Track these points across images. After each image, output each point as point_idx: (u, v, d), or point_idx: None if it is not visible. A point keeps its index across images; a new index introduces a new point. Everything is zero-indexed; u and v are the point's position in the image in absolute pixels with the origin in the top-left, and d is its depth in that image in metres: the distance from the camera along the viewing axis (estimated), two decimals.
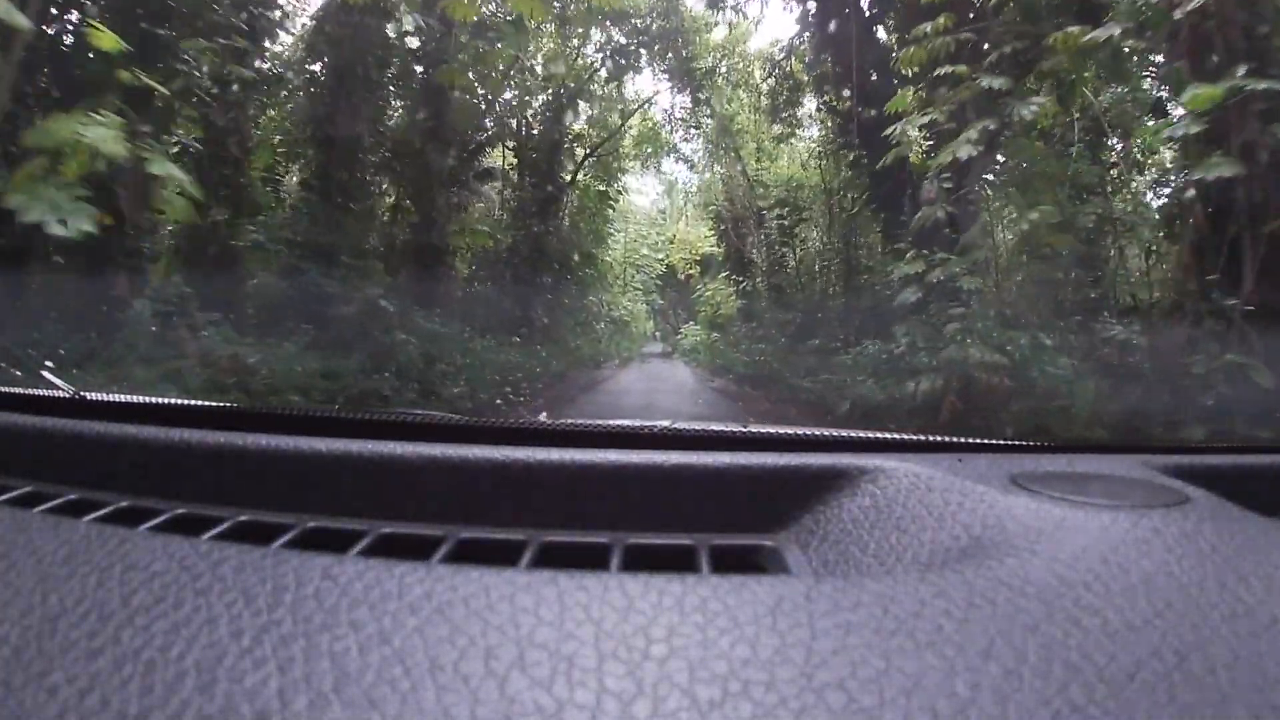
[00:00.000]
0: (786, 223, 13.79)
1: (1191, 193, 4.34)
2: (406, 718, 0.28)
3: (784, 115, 13.81)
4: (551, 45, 13.19)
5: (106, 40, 4.60)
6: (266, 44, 7.86)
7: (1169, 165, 7.07)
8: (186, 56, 5.99)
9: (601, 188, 16.45)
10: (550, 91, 13.56)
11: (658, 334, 28.00)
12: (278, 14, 7.84)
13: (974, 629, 0.34)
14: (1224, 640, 0.34)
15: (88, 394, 0.82)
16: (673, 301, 27.66)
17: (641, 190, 24.41)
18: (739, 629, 0.34)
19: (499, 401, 8.00)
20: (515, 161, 13.62)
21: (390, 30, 8.40)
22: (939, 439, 0.76)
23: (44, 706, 0.29)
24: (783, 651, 0.32)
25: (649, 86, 17.98)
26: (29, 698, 0.29)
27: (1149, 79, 6.66)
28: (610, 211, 18.90)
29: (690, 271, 22.85)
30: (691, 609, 0.35)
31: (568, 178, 14.59)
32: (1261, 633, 0.35)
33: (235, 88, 6.96)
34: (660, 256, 24.05)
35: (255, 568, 0.39)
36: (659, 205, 26.05)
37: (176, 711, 0.29)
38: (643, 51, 14.13)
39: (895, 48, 7.86)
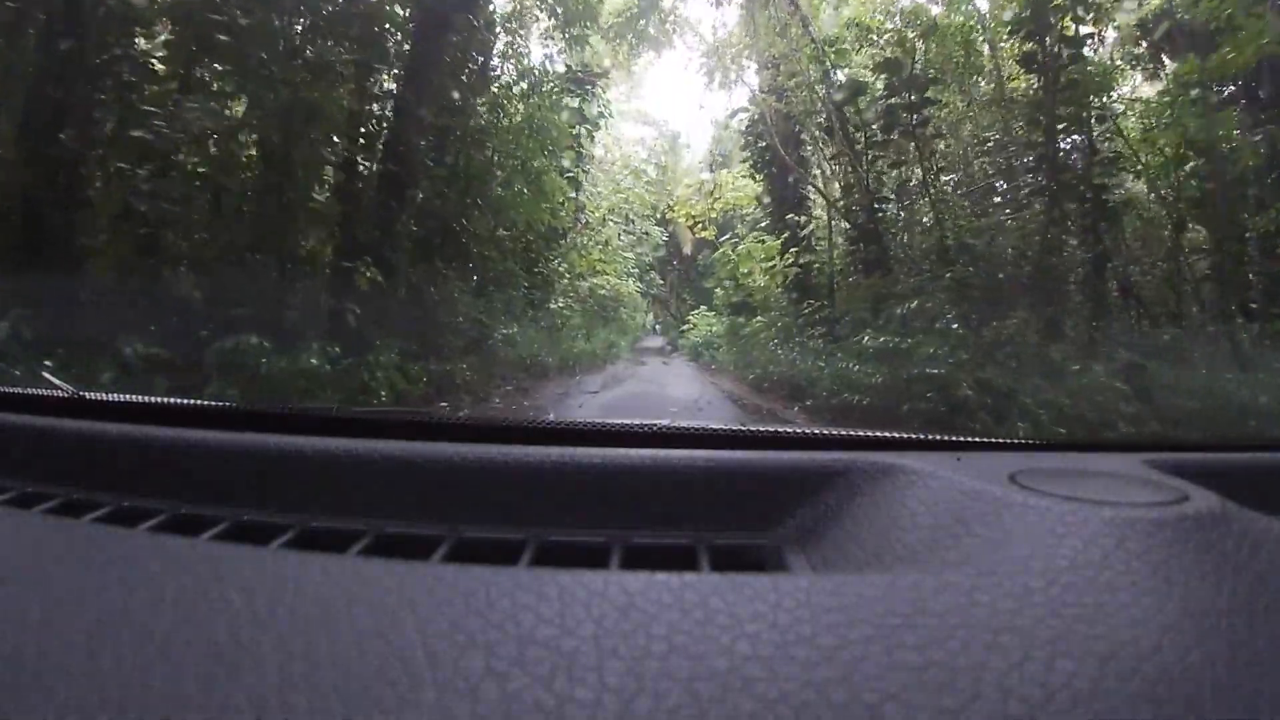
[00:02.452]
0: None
1: None
2: (407, 717, 0.28)
3: None
4: None
5: None
6: None
7: None
8: None
9: (561, 80, 9.88)
10: None
11: (657, 326, 21.36)
12: None
13: (973, 626, 0.34)
14: (1224, 637, 0.34)
15: (87, 394, 0.81)
16: (674, 285, 21.32)
17: (641, 141, 18.32)
18: (739, 626, 0.34)
19: None
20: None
21: None
22: (938, 437, 0.76)
23: (43, 707, 0.29)
24: (783, 648, 0.32)
25: None
26: (28, 698, 0.29)
27: None
28: (587, 135, 12.42)
29: (705, 233, 16.04)
30: (691, 606, 0.35)
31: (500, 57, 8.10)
32: (1261, 630, 0.35)
33: None
34: (659, 207, 17.46)
35: (254, 567, 0.39)
36: (659, 159, 19.70)
37: (176, 712, 0.29)
38: None
39: None
